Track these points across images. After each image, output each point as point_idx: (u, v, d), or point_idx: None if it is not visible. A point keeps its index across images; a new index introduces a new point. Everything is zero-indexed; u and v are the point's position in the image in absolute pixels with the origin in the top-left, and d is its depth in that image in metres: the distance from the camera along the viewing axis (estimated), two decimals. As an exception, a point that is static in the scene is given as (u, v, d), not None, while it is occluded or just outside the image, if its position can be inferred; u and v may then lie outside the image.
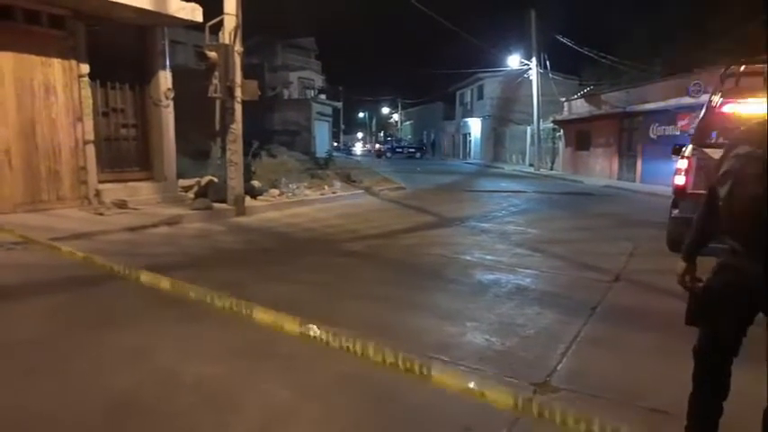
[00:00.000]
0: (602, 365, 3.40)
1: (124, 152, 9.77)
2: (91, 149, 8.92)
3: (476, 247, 7.12)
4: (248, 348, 3.44)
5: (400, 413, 2.74)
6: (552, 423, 1.35)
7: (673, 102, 17.16)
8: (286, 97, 33.74)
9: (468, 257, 6.51)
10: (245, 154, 10.91)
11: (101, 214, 8.29)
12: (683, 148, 6.68)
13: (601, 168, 22.78)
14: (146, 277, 2.33)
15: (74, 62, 8.62)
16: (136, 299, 4.25)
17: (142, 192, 9.64)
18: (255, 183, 11.35)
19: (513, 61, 30.39)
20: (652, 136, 19.02)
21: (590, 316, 4.33)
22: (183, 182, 10.77)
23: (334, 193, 12.91)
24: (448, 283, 5.37)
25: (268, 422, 2.64)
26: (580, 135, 24.87)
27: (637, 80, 23.00)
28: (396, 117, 73.97)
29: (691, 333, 2.27)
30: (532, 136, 29.05)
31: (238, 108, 9.51)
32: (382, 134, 72.66)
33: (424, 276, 5.64)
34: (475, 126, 42.60)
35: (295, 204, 10.98)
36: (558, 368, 3.31)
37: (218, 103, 9.64)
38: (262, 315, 1.87)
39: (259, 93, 10.20)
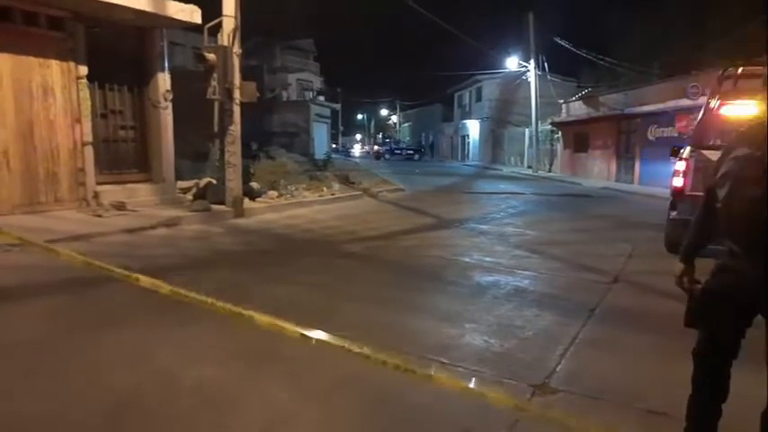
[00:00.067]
0: (601, 367, 3.41)
1: (123, 154, 9.76)
2: (89, 151, 8.90)
3: (474, 249, 7.13)
4: (248, 350, 3.44)
5: (401, 415, 2.74)
6: (551, 425, 1.35)
7: (671, 104, 17.21)
8: (285, 99, 33.75)
9: (467, 259, 6.52)
10: (244, 156, 10.89)
11: (99, 216, 8.27)
12: (682, 150, 6.69)
13: (599, 170, 22.82)
14: (145, 281, 2.32)
15: (72, 64, 8.61)
16: (135, 300, 4.24)
17: (140, 193, 9.62)
18: (254, 184, 11.34)
19: (512, 63, 30.47)
20: (650, 138, 19.06)
21: (588, 317, 4.33)
22: (182, 183, 10.76)
23: (332, 194, 12.90)
24: (447, 284, 5.37)
25: (269, 424, 2.64)
26: (578, 137, 24.91)
27: (635, 82, 23.05)
28: (394, 119, 74.00)
29: (689, 335, 2.27)
30: (531, 138, 29.09)
31: (237, 110, 9.51)
32: (381, 136, 72.71)
33: (423, 278, 5.64)
34: (473, 128, 42.64)
35: (293, 206, 10.98)
36: (557, 370, 3.31)
37: (216, 104, 9.64)
38: (262, 318, 1.87)
39: (258, 94, 10.20)
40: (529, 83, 28.50)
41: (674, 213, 6.51)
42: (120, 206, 8.78)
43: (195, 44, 17.02)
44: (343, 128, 61.99)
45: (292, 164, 15.08)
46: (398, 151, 49.92)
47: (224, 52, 9.13)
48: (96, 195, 8.92)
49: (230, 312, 2.06)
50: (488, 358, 3.49)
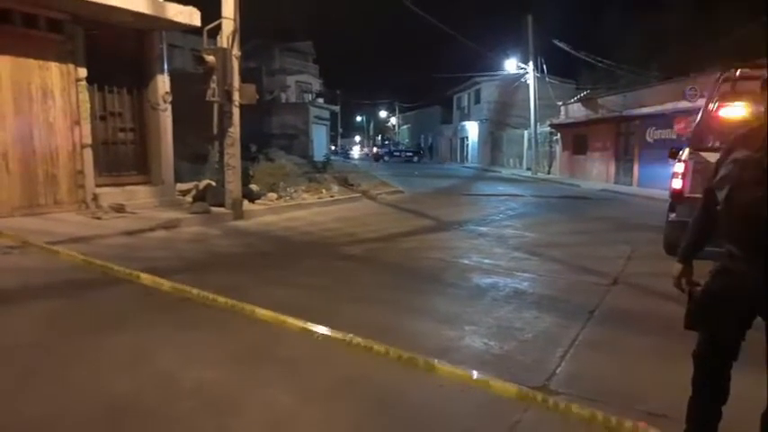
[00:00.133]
0: (601, 369, 3.41)
1: (122, 156, 9.76)
2: (88, 153, 8.90)
3: (474, 251, 7.13)
4: (248, 352, 3.44)
5: (401, 415, 2.74)
6: (553, 424, 1.35)
7: (669, 106, 17.23)
8: (284, 101, 33.73)
9: (467, 261, 6.52)
10: (243, 158, 10.90)
11: (98, 218, 8.27)
12: (680, 152, 6.70)
13: (598, 172, 22.84)
14: (146, 279, 2.33)
15: (72, 66, 8.61)
16: (135, 303, 4.24)
17: (140, 195, 9.62)
18: (253, 186, 11.34)
19: (510, 65, 30.51)
20: (649, 140, 19.09)
21: (588, 319, 4.34)
22: (181, 186, 10.76)
23: (331, 196, 12.91)
24: (446, 286, 5.37)
25: (269, 425, 2.64)
26: (577, 139, 24.94)
27: (633, 84, 23.09)
28: (393, 121, 74.02)
29: (689, 336, 2.28)
30: (529, 140, 29.13)
31: (236, 112, 9.52)
32: (380, 138, 72.70)
33: (423, 280, 5.64)
34: (472, 130, 42.68)
35: (293, 208, 10.98)
36: (557, 372, 3.31)
37: (216, 106, 9.65)
38: (265, 313, 1.88)
39: (257, 96, 10.22)
40: (527, 85, 28.54)
41: (672, 215, 6.51)
42: (120, 208, 8.77)
43: (194, 46, 17.04)
44: (342, 130, 62.02)
45: (291, 166, 15.08)
46: (397, 153, 49.95)
47: (223, 54, 9.14)
48: (95, 197, 8.91)
49: (232, 306, 2.06)
50: (488, 360, 3.49)
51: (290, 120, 28.65)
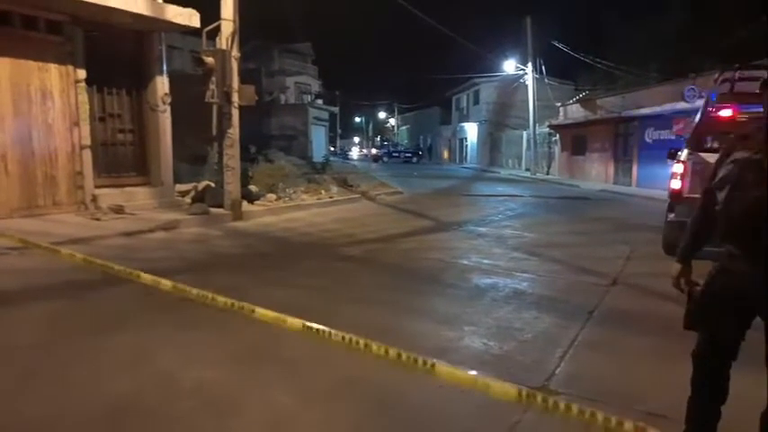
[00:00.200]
0: (600, 369, 3.41)
1: (121, 157, 9.75)
2: (87, 154, 8.90)
3: (473, 252, 7.14)
4: (248, 353, 3.44)
5: (401, 415, 2.75)
6: (553, 425, 1.35)
7: (668, 107, 17.27)
8: (283, 102, 33.72)
9: (466, 262, 6.52)
10: (242, 159, 10.90)
11: (97, 219, 8.27)
12: (679, 153, 6.72)
13: (597, 173, 22.87)
14: (146, 278, 2.33)
15: (71, 67, 8.61)
16: (135, 303, 4.25)
17: (139, 197, 9.62)
18: (252, 187, 11.35)
19: (509, 66, 30.52)
20: (648, 140, 19.12)
21: (587, 320, 4.34)
22: (180, 187, 10.76)
23: (331, 197, 12.91)
24: (445, 287, 5.37)
25: (269, 426, 2.64)
26: (576, 140, 24.97)
27: (632, 85, 23.13)
28: (392, 122, 74.06)
29: (688, 337, 2.28)
30: (528, 141, 29.15)
31: (235, 113, 9.52)
32: (379, 139, 72.71)
33: (422, 281, 5.64)
34: (471, 131, 42.71)
35: (292, 209, 10.98)
36: (557, 372, 3.32)
37: (215, 108, 9.65)
38: (265, 313, 1.88)
39: (256, 98, 10.21)
40: (526, 86, 28.56)
41: (671, 215, 6.52)
42: (119, 209, 8.77)
43: (194, 48, 17.06)
44: (341, 131, 61.97)
45: (290, 167, 15.08)
46: (396, 154, 49.96)
47: (222, 56, 9.15)
48: (94, 199, 8.91)
49: (232, 305, 2.06)
50: (487, 361, 3.49)
51: (290, 121, 28.63)
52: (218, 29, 9.35)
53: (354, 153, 63.21)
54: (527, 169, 29.09)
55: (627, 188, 19.11)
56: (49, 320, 4.05)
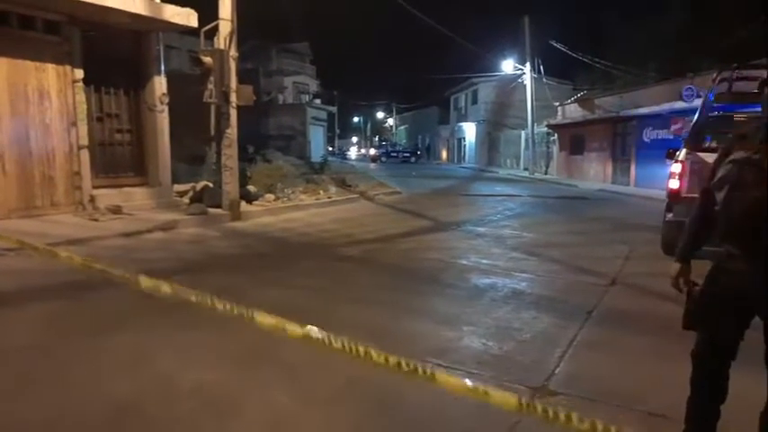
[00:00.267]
0: (600, 369, 3.41)
1: (119, 157, 9.73)
2: (85, 155, 8.88)
3: (472, 252, 7.14)
4: (248, 354, 3.43)
5: (401, 418, 2.74)
6: (553, 426, 1.35)
7: (666, 106, 17.30)
8: (281, 102, 33.70)
9: (465, 262, 6.52)
10: (240, 159, 10.89)
11: (95, 220, 8.25)
12: (677, 152, 6.72)
13: (595, 172, 22.90)
14: (146, 283, 2.31)
15: (68, 67, 8.59)
16: (133, 305, 4.22)
17: (137, 197, 9.60)
18: (251, 188, 11.33)
19: (507, 66, 30.53)
20: (646, 140, 19.15)
21: (586, 320, 4.34)
22: (178, 187, 10.74)
23: (329, 197, 12.90)
24: (444, 287, 5.37)
25: (269, 427, 2.64)
26: (574, 139, 25.00)
27: (630, 85, 23.16)
28: (391, 121, 74.03)
29: (687, 336, 2.28)
30: (527, 140, 29.17)
31: (233, 113, 9.51)
32: (377, 139, 72.72)
33: (421, 281, 5.64)
34: (469, 130, 42.74)
35: (290, 209, 10.97)
36: (556, 372, 3.32)
37: (213, 108, 9.63)
38: (263, 319, 1.87)
39: (254, 98, 10.21)
40: (524, 86, 28.57)
41: (670, 215, 6.53)
42: (117, 210, 8.75)
43: (191, 47, 16.99)
44: (339, 131, 61.89)
45: (289, 167, 15.07)
46: (395, 154, 49.95)
47: (220, 56, 9.14)
48: (92, 199, 8.89)
49: (231, 311, 2.05)
50: (487, 361, 3.49)
51: (288, 121, 28.62)
52: (216, 29, 9.33)
53: (353, 153, 63.21)
54: (525, 169, 29.11)
55: (625, 188, 19.13)
56: (47, 322, 4.04)
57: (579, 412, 1.36)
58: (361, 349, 1.61)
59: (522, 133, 30.81)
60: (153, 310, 4.03)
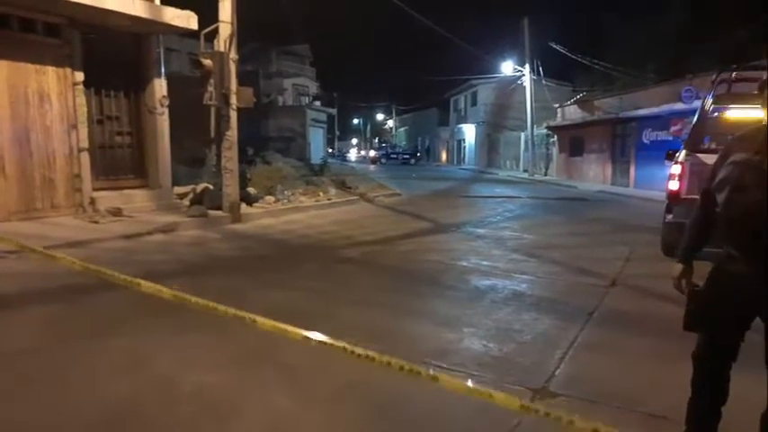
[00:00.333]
0: (600, 371, 3.41)
1: (119, 160, 9.74)
2: (85, 157, 8.89)
3: (472, 253, 7.14)
4: (248, 357, 3.43)
5: (401, 419, 2.74)
6: (552, 427, 1.35)
7: (665, 108, 17.30)
8: (281, 104, 33.72)
9: (465, 263, 6.52)
10: (241, 161, 10.89)
11: (95, 222, 8.25)
12: (677, 154, 6.72)
13: (594, 174, 22.91)
14: (147, 286, 2.32)
15: (69, 70, 8.60)
16: (132, 307, 4.23)
17: (137, 199, 9.60)
18: (251, 190, 11.33)
19: (507, 68, 30.55)
20: (645, 141, 19.16)
21: (587, 321, 4.34)
22: (179, 189, 10.74)
23: (329, 199, 12.90)
24: (445, 289, 5.37)
25: (269, 430, 2.63)
26: (574, 141, 25.01)
27: (630, 86, 23.17)
28: (390, 123, 74.07)
29: (688, 338, 2.28)
30: (526, 142, 29.19)
31: (233, 115, 9.51)
32: (377, 140, 72.74)
33: (421, 283, 5.64)
34: (469, 132, 42.76)
35: (290, 211, 10.97)
36: (557, 373, 3.31)
37: (213, 110, 9.64)
38: (264, 321, 1.88)
39: (254, 100, 10.21)
40: (524, 87, 28.60)
41: (670, 216, 6.53)
42: (117, 212, 8.76)
43: (191, 50, 17.04)
44: (339, 132, 61.95)
45: (289, 169, 15.08)
46: (394, 156, 49.97)
47: (220, 58, 9.14)
48: (93, 201, 8.89)
49: (233, 315, 2.05)
50: (487, 362, 3.49)
51: (287, 123, 28.65)
52: (216, 31, 9.34)
53: (352, 155, 63.22)
54: (525, 170, 29.12)
55: (625, 189, 19.14)
56: (46, 324, 4.03)
57: (580, 414, 1.36)
58: (363, 353, 1.62)
59: (522, 135, 30.82)
60: (152, 313, 4.03)
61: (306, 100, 37.62)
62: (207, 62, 9.06)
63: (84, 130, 8.85)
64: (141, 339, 3.71)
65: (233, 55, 9.34)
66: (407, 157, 49.56)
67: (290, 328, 1.90)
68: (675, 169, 6.49)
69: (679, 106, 16.20)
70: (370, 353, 1.68)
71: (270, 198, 11.58)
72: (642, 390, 3.07)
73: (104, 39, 9.04)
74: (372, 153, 54.97)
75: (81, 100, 8.77)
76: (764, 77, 2.20)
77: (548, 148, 28.71)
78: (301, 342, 1.91)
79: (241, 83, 9.84)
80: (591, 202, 15.34)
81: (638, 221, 10.56)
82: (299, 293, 5.07)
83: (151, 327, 3.91)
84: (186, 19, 9.35)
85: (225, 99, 9.31)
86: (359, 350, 1.67)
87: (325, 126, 35.68)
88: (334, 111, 42.06)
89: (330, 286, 5.42)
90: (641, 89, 21.24)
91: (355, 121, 79.87)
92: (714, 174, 2.19)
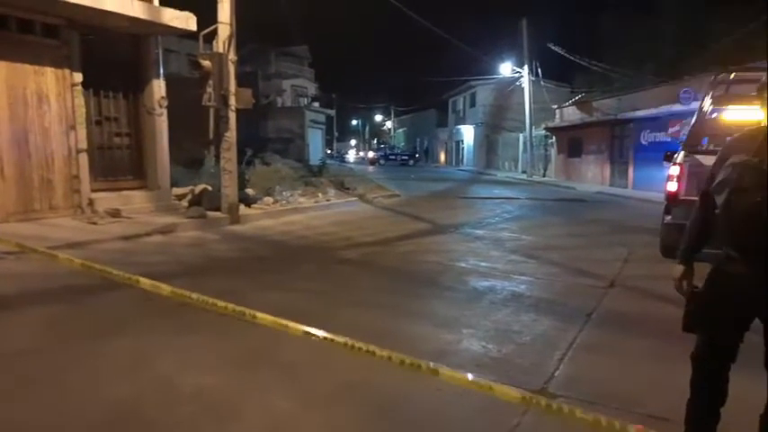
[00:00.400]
0: (599, 372, 3.42)
1: (117, 161, 9.73)
2: (84, 158, 8.88)
3: (471, 254, 7.14)
4: (248, 357, 3.44)
5: (401, 420, 2.74)
6: (552, 427, 1.36)
7: (664, 109, 17.33)
8: (279, 105, 33.71)
9: (464, 264, 6.53)
10: (239, 162, 10.88)
11: (94, 223, 8.24)
12: (675, 155, 6.73)
13: (593, 175, 22.93)
14: (145, 283, 2.32)
15: (67, 71, 8.60)
16: (134, 308, 4.23)
17: (135, 200, 9.59)
18: (249, 191, 11.33)
19: (505, 69, 30.59)
20: (643, 142, 19.19)
21: (586, 322, 4.35)
22: (177, 190, 10.73)
23: (328, 200, 12.91)
24: (444, 290, 5.38)
25: (269, 431, 2.63)
26: (572, 142, 25.05)
27: (628, 87, 23.20)
28: (389, 124, 74.10)
29: (687, 338, 2.29)
30: (525, 143, 29.21)
31: (232, 116, 9.51)
32: (375, 141, 72.76)
33: (420, 284, 5.65)
34: (467, 133, 42.79)
35: (289, 212, 10.97)
36: (556, 375, 3.32)
37: (212, 111, 9.64)
38: (265, 317, 1.88)
39: (253, 101, 10.20)
40: (522, 88, 28.62)
41: (668, 218, 6.54)
42: (115, 213, 8.75)
43: (190, 51, 17.03)
44: (337, 133, 62.01)
45: (287, 170, 15.08)
46: (393, 157, 49.96)
47: (219, 59, 9.14)
48: (91, 203, 8.89)
49: (232, 311, 2.06)
50: (486, 363, 3.49)
51: (286, 124, 28.64)
52: (215, 32, 9.34)
53: (351, 156, 63.22)
54: (523, 171, 29.15)
55: (623, 190, 19.16)
56: (47, 325, 4.03)
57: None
58: (364, 347, 1.62)
59: (521, 136, 30.84)
60: (152, 314, 4.04)
61: (304, 101, 37.64)
62: (206, 63, 9.06)
63: (82, 131, 8.84)
64: (142, 340, 3.71)
65: (232, 56, 9.34)
66: (406, 158, 49.57)
67: (290, 324, 1.90)
68: (674, 170, 6.50)
69: (677, 107, 16.22)
70: (371, 347, 1.68)
71: (269, 199, 11.58)
72: (641, 391, 3.07)
73: (103, 40, 9.03)
74: (371, 154, 54.96)
75: (79, 101, 8.76)
76: (763, 79, 2.21)
77: (546, 150, 28.74)
78: (301, 339, 1.91)
79: (240, 84, 9.84)
80: (589, 203, 15.35)
81: (637, 222, 10.58)
82: (298, 294, 5.07)
83: (152, 328, 3.92)
84: (185, 20, 9.35)
85: (224, 100, 9.31)
86: (360, 344, 1.67)
87: (323, 127, 35.68)
88: (332, 112, 42.08)
89: (329, 287, 5.42)
90: (640, 90, 21.26)
91: (354, 122, 79.93)
92: (713, 175, 2.19)
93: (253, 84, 21.07)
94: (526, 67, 28.03)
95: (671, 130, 17.35)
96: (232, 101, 9.42)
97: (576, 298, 5.08)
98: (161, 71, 9.93)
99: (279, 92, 36.24)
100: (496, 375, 3.26)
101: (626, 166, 20.47)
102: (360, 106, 66.24)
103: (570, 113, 25.97)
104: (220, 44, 9.26)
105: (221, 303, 2.18)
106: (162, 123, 9.99)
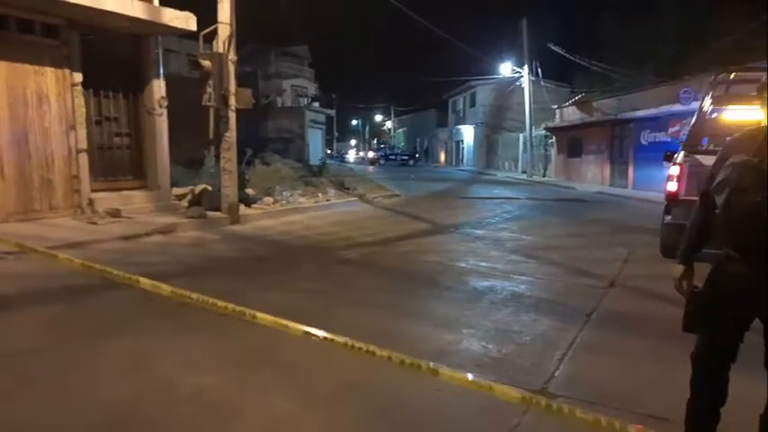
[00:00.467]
0: (599, 372, 3.42)
1: (117, 161, 9.73)
2: (84, 158, 8.88)
3: (471, 254, 7.14)
4: (248, 358, 3.44)
5: (401, 420, 2.74)
6: (552, 427, 1.36)
7: (664, 109, 17.33)
8: (279, 105, 33.70)
9: (464, 264, 6.53)
10: (239, 162, 10.88)
11: (94, 223, 8.24)
12: (675, 155, 6.73)
13: (593, 175, 22.93)
14: (145, 283, 2.32)
15: (67, 71, 8.60)
16: (134, 308, 4.23)
17: (135, 200, 9.59)
18: (249, 191, 11.33)
19: (505, 69, 30.59)
20: (643, 142, 19.19)
21: (586, 322, 4.35)
22: (177, 190, 10.73)
23: (328, 200, 12.91)
24: (443, 290, 5.38)
25: (269, 431, 2.63)
26: (572, 142, 25.05)
27: (628, 87, 23.20)
28: (389, 124, 74.10)
29: (687, 338, 2.29)
30: (525, 143, 29.21)
31: (232, 116, 9.51)
32: (375, 141, 72.75)
33: (420, 284, 5.65)
34: (467, 133, 42.79)
35: (289, 212, 10.97)
36: (556, 375, 3.32)
37: (212, 111, 9.64)
38: (265, 317, 1.88)
39: (253, 101, 10.20)
40: (522, 88, 28.62)
41: (668, 218, 6.54)
42: (115, 213, 8.75)
43: (190, 51, 17.04)
44: (337, 134, 62.00)
45: (287, 170, 15.08)
46: (393, 157, 49.94)
47: (219, 59, 9.14)
48: (91, 203, 8.89)
49: (232, 311, 2.06)
50: (486, 364, 3.49)
51: (286, 124, 28.64)
52: (215, 32, 9.34)
53: (351, 156, 63.22)
54: (523, 171, 29.15)
55: (623, 190, 19.16)
56: (47, 325, 4.03)
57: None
58: (364, 347, 1.62)
59: (521, 136, 30.84)
60: (152, 314, 4.04)
61: (304, 101, 37.64)
62: (206, 63, 9.06)
63: (82, 131, 8.84)
64: (142, 340, 3.71)
65: (232, 56, 9.34)
66: (406, 158, 49.56)
67: (290, 324, 1.91)
68: (674, 170, 6.50)
69: (677, 107, 16.22)
70: (371, 347, 1.68)
71: (268, 199, 11.58)
72: (641, 391, 3.07)
73: (103, 40, 9.03)
74: (371, 154, 54.96)
75: (79, 101, 8.76)
76: (763, 79, 2.21)
77: (546, 150, 28.74)
78: (301, 339, 1.91)
79: (240, 84, 9.84)
80: (589, 203, 15.36)
81: (637, 222, 10.58)
82: (298, 295, 5.07)
83: (152, 328, 3.92)
84: (185, 20, 9.35)
85: (224, 100, 9.31)
86: (360, 344, 1.67)
87: (323, 127, 35.69)
88: (332, 112, 42.08)
89: (329, 287, 5.42)
90: (640, 90, 21.26)
91: (354, 122, 79.94)
92: (713, 175, 2.19)
93: (253, 84, 21.07)
94: (526, 67, 28.03)
95: (671, 130, 17.36)
96: (232, 101, 9.42)
97: (575, 298, 5.08)
98: (161, 71, 9.93)
99: (279, 92, 36.24)
100: (496, 375, 3.26)
101: (626, 166, 20.48)
102: (360, 106, 66.31)
103: (570, 113, 25.98)
104: (220, 44, 9.26)
105: (221, 303, 2.18)
106: (162, 123, 9.99)
